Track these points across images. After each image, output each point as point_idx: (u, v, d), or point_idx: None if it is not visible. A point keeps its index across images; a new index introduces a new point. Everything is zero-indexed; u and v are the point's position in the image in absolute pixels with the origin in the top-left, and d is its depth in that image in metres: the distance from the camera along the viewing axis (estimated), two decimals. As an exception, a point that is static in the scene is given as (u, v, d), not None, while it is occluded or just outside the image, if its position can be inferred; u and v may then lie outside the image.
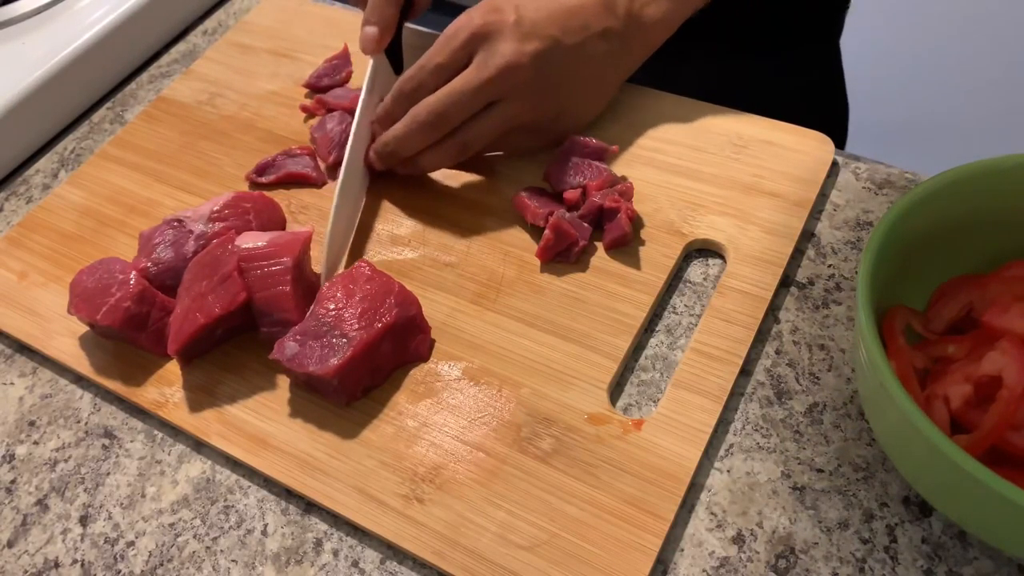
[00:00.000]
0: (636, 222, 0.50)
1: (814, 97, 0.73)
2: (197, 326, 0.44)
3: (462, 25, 0.50)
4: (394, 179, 0.55)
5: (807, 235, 0.49)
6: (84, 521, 0.44)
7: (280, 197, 0.55)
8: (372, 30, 0.54)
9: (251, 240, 0.47)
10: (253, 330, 0.47)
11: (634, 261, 0.48)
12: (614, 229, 0.48)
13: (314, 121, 0.59)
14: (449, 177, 0.55)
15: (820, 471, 0.41)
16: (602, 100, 0.54)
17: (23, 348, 0.51)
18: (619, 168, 0.53)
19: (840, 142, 0.76)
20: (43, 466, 0.46)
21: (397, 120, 0.51)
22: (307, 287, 0.47)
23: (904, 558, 0.38)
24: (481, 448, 0.42)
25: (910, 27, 1.84)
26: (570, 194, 0.50)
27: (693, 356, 0.44)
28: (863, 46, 1.77)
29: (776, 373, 0.44)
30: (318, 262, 0.51)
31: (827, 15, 0.75)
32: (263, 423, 0.45)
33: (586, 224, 0.49)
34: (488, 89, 0.49)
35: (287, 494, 0.43)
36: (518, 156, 0.55)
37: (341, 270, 0.51)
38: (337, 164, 0.54)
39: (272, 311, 0.45)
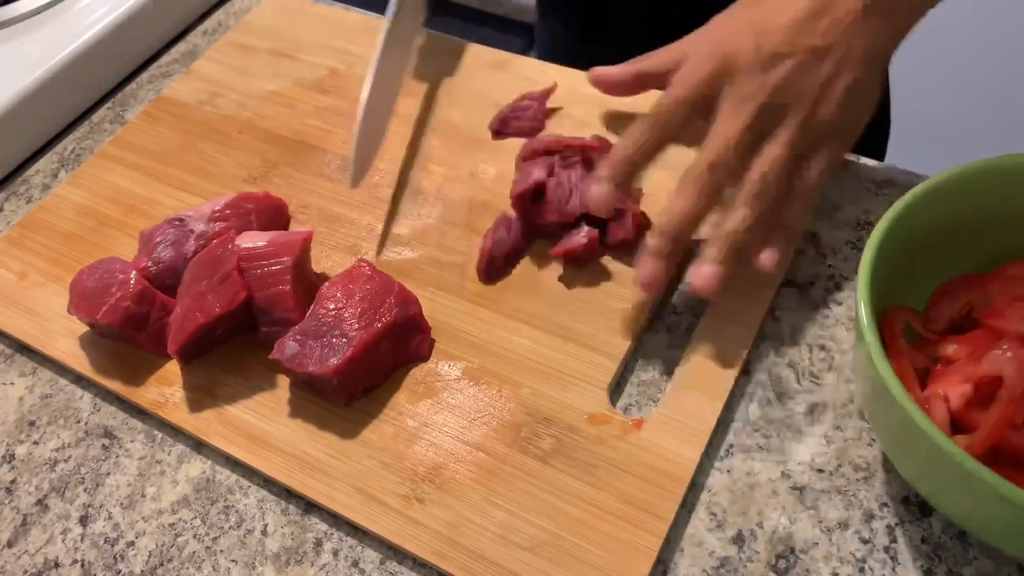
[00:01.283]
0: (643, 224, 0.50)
1: None
2: (197, 325, 0.44)
3: (694, 67, 0.45)
4: (393, 179, 0.55)
5: (807, 235, 0.49)
6: (84, 521, 0.44)
7: (280, 196, 0.54)
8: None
9: (251, 239, 0.47)
10: (253, 330, 0.47)
11: (634, 261, 0.48)
12: (618, 231, 0.48)
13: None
14: (450, 177, 0.55)
15: (820, 471, 0.41)
16: (877, 79, 0.46)
17: (23, 348, 0.51)
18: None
19: (880, 156, 0.75)
20: (43, 466, 0.46)
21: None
22: (307, 287, 0.47)
23: (904, 558, 0.38)
24: (481, 448, 0.42)
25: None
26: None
27: (693, 356, 0.44)
28: (863, 46, 1.77)
29: (776, 373, 0.44)
30: (318, 261, 0.51)
31: None
32: (263, 423, 0.45)
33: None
34: (747, 134, 0.43)
35: (287, 494, 0.43)
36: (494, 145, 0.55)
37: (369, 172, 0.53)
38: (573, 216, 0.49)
39: (272, 310, 0.45)
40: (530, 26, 1.38)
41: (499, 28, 1.57)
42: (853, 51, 0.44)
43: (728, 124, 0.44)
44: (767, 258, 0.44)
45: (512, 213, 0.50)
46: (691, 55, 0.47)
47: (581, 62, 0.57)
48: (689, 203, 0.43)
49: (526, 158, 0.51)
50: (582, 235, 0.47)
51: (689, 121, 0.45)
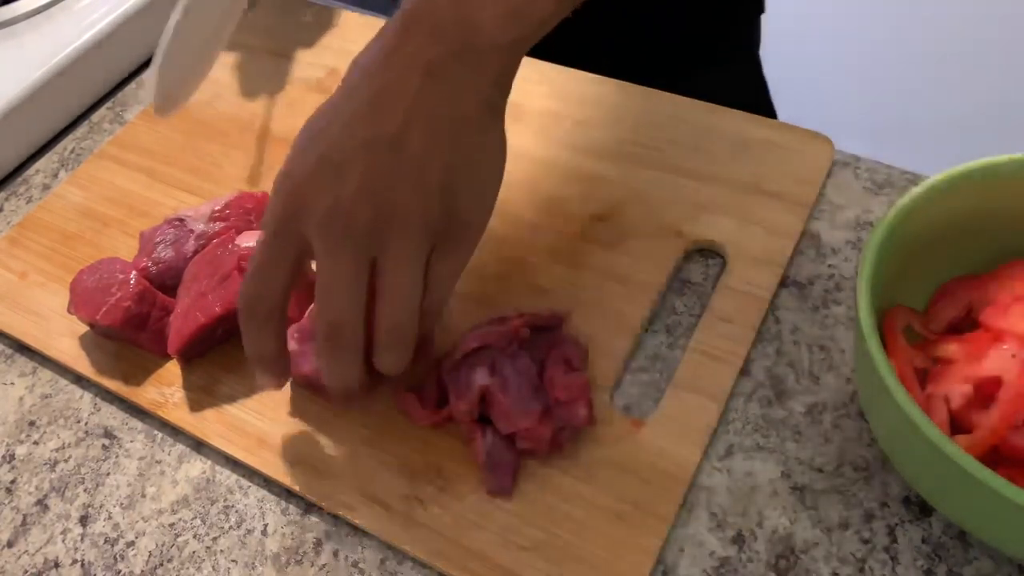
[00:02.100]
0: (635, 226, 0.50)
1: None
2: (197, 326, 0.44)
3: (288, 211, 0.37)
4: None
5: (807, 235, 0.49)
6: (84, 521, 0.44)
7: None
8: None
9: (251, 239, 0.47)
10: (253, 330, 0.47)
11: (634, 261, 0.48)
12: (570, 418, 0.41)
13: None
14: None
15: (820, 471, 0.41)
16: (483, 150, 0.38)
17: (23, 348, 0.51)
18: (620, 168, 0.53)
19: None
20: (43, 466, 0.46)
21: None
22: (307, 286, 0.47)
23: (904, 558, 0.38)
24: (481, 448, 0.42)
25: (910, 27, 1.84)
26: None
27: (693, 356, 0.44)
28: (863, 45, 1.78)
29: (776, 373, 0.44)
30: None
31: (742, 25, 0.73)
32: (263, 423, 0.45)
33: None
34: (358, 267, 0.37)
35: (287, 494, 0.43)
36: (517, 151, 0.54)
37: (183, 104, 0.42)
38: None
39: None
40: None
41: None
42: (435, 122, 0.36)
43: (327, 276, 0.37)
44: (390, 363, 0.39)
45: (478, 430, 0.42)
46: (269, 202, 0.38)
47: None
48: (339, 368, 0.38)
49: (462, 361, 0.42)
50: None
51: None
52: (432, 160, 0.36)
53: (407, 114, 0.36)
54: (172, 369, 0.47)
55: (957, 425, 0.37)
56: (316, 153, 0.36)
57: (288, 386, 0.46)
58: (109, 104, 0.66)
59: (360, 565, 0.41)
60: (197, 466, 0.45)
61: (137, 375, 0.48)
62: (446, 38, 0.36)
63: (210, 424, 0.45)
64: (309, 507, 0.43)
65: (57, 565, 0.42)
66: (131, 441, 0.46)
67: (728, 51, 0.73)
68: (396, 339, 0.38)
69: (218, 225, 0.50)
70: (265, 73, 0.64)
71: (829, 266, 0.48)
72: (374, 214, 0.36)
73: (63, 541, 0.43)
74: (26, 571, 0.42)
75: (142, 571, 0.42)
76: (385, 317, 0.37)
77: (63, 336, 0.50)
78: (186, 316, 0.45)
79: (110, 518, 0.44)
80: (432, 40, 0.36)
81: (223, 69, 0.64)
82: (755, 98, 0.75)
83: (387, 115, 0.36)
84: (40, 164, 0.63)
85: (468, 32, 0.36)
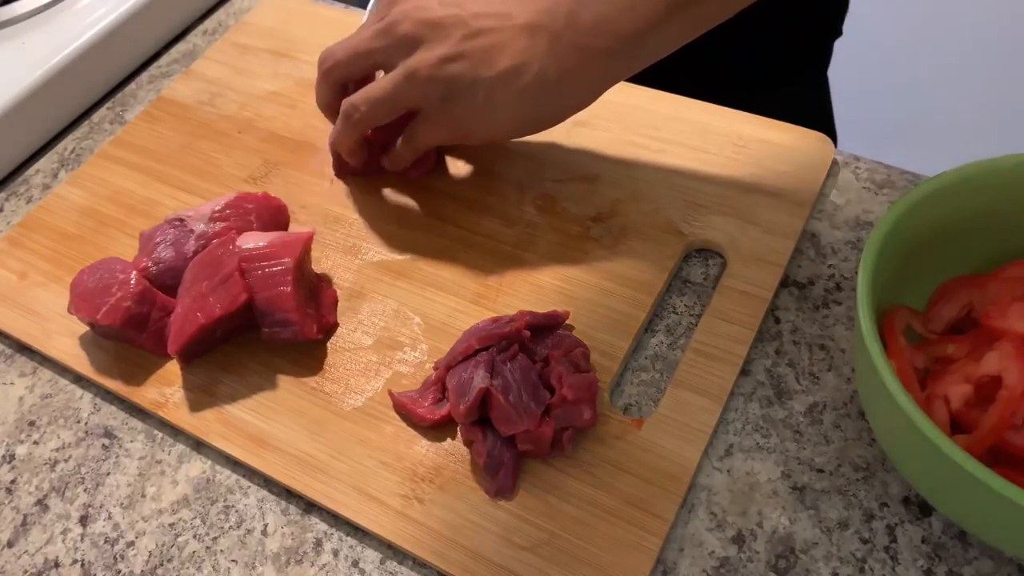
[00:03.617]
0: (635, 226, 0.50)
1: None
2: (197, 326, 0.44)
3: (397, 19, 0.48)
4: (393, 179, 0.55)
5: (807, 235, 0.49)
6: (84, 521, 0.44)
7: (281, 196, 0.54)
8: None
9: (252, 240, 0.47)
10: (254, 330, 0.47)
11: (634, 261, 0.48)
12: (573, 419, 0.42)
13: None
14: (449, 177, 0.55)
15: (820, 471, 0.41)
16: (511, 106, 0.46)
17: (23, 348, 0.51)
18: (619, 168, 0.53)
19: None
20: (43, 466, 0.46)
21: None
22: (308, 287, 0.48)
23: (904, 558, 0.38)
24: (481, 448, 0.42)
25: (910, 26, 1.84)
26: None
27: (693, 356, 0.44)
28: (863, 45, 1.77)
29: (776, 373, 0.44)
30: (318, 262, 0.51)
31: (815, 49, 0.74)
32: (263, 423, 0.45)
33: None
34: (368, 44, 0.48)
35: (287, 494, 0.43)
36: (516, 150, 0.55)
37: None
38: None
39: (273, 311, 0.45)
40: None
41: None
42: (505, 46, 0.45)
43: (364, 30, 0.49)
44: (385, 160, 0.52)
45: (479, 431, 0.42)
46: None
47: None
48: (341, 138, 0.50)
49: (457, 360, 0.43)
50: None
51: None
52: (481, 65, 0.45)
53: (499, 20, 0.45)
54: (172, 369, 0.47)
55: (957, 425, 0.37)
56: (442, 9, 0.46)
57: (288, 386, 0.46)
58: (109, 104, 0.66)
59: (360, 565, 0.41)
60: (197, 466, 0.45)
61: (137, 375, 0.48)
62: (555, 16, 0.44)
63: (210, 424, 0.45)
64: (309, 507, 0.43)
65: (57, 565, 0.42)
66: (131, 441, 0.46)
67: (798, 72, 0.73)
68: (347, 110, 0.48)
69: (218, 225, 0.50)
70: (265, 73, 0.64)
71: (829, 266, 0.48)
72: (417, 36, 0.46)
73: (63, 541, 0.43)
74: (26, 571, 0.42)
75: (142, 571, 0.42)
76: (352, 95, 0.48)
77: (63, 336, 0.50)
78: (186, 317, 0.45)
79: (110, 518, 0.44)
80: (541, 15, 0.45)
81: (223, 69, 0.64)
82: (817, 120, 0.75)
83: (491, 14, 0.46)
84: (40, 164, 0.63)
85: (569, 23, 0.44)
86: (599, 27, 0.44)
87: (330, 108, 0.52)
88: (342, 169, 0.55)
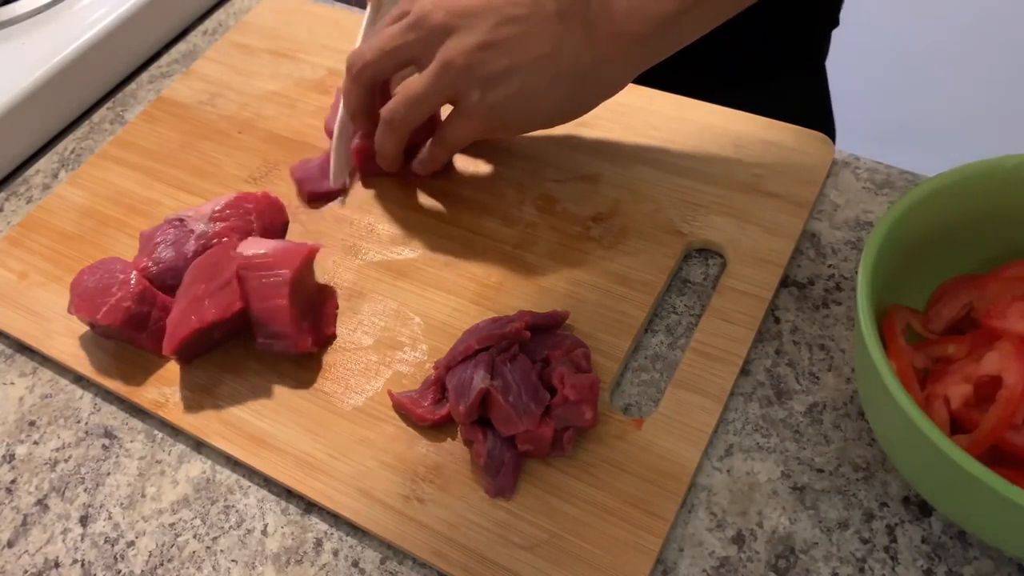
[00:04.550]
0: (635, 226, 0.49)
1: (801, 125, 0.71)
2: (191, 329, 0.44)
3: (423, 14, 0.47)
4: (393, 179, 0.55)
5: (807, 235, 0.49)
6: (84, 521, 0.44)
7: (281, 196, 0.54)
8: None
9: (253, 247, 0.46)
10: (254, 332, 0.47)
11: (634, 261, 0.48)
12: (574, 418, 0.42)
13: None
14: (449, 177, 0.55)
15: (820, 471, 0.41)
16: (547, 94, 0.46)
17: (23, 348, 0.51)
18: (620, 169, 0.53)
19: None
20: (43, 466, 0.46)
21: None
22: (308, 299, 0.47)
23: (904, 558, 0.38)
24: (481, 448, 0.42)
25: (910, 26, 1.84)
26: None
27: (693, 356, 0.44)
28: (863, 44, 1.77)
29: (776, 373, 0.44)
30: (317, 262, 0.51)
31: (812, 38, 0.74)
32: (263, 423, 0.45)
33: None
34: (398, 40, 0.47)
35: (287, 494, 0.43)
36: (517, 151, 0.55)
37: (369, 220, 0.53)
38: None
39: (268, 323, 0.45)
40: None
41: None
42: (535, 36, 0.45)
43: (389, 22, 0.49)
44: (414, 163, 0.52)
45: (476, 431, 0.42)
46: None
47: None
48: (383, 140, 0.50)
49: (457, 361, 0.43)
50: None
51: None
52: (514, 52, 0.45)
53: (532, 7, 0.45)
54: (172, 369, 0.47)
55: (957, 425, 0.37)
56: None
57: (288, 386, 0.46)
58: (109, 104, 0.66)
59: (360, 565, 0.41)
60: (197, 466, 0.45)
61: (137, 375, 0.48)
62: (587, 2, 0.44)
63: (210, 424, 0.45)
64: (309, 507, 0.43)
65: (57, 565, 0.42)
66: (131, 441, 0.46)
67: (796, 63, 0.73)
68: (387, 117, 0.49)
69: (218, 225, 0.50)
70: (265, 73, 0.64)
71: (829, 266, 0.48)
72: (459, 24, 0.45)
73: (63, 541, 0.43)
74: (26, 571, 0.42)
75: (142, 571, 0.42)
76: (391, 100, 0.49)
77: (63, 336, 0.50)
78: (181, 319, 0.45)
79: (110, 518, 0.44)
80: (573, 1, 0.44)
81: (223, 69, 0.64)
82: (816, 110, 0.76)
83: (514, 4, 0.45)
84: (40, 164, 0.63)
85: (602, 9, 0.44)
86: (633, 12, 0.44)
87: (360, 111, 0.51)
88: (369, 172, 0.55)
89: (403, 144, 0.51)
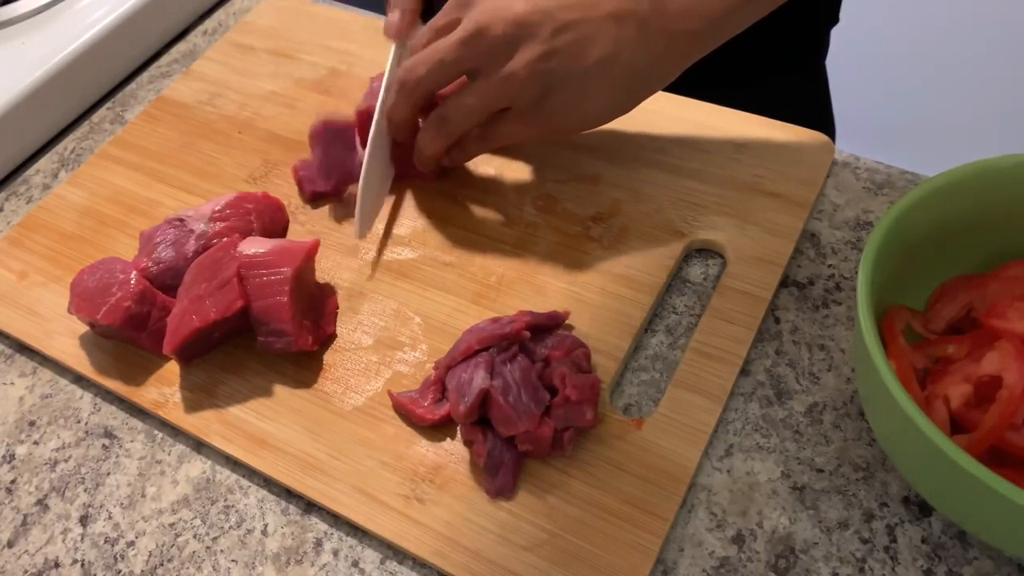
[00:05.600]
0: (635, 226, 0.50)
1: (800, 124, 0.72)
2: (192, 329, 0.44)
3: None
4: (393, 180, 0.55)
5: (807, 235, 0.49)
6: (84, 521, 0.44)
7: (281, 196, 0.54)
8: (395, 15, 0.53)
9: (254, 246, 0.46)
10: (254, 331, 0.46)
11: (634, 261, 0.48)
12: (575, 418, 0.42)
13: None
14: (449, 177, 0.55)
15: (820, 471, 0.41)
16: (604, 96, 0.46)
17: (23, 348, 0.51)
18: (620, 169, 0.53)
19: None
20: (43, 466, 0.46)
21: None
22: (309, 297, 0.47)
23: (904, 558, 0.38)
24: (481, 448, 0.42)
25: (910, 26, 1.84)
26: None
27: (693, 356, 0.44)
28: (863, 45, 1.77)
29: (776, 373, 0.44)
30: (317, 261, 0.51)
31: (812, 35, 0.74)
32: (263, 423, 0.45)
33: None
34: (456, 53, 0.46)
35: (287, 494, 0.43)
36: (517, 151, 0.54)
37: (374, 227, 0.52)
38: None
39: (269, 321, 0.45)
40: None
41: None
42: (593, 39, 0.44)
43: (444, 37, 0.47)
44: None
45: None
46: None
47: None
48: (427, 141, 0.50)
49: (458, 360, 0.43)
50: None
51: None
52: (562, 59, 0.45)
53: (585, 10, 0.44)
54: (172, 369, 0.47)
55: (957, 425, 0.37)
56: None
57: (288, 386, 0.46)
58: (109, 104, 0.66)
59: (360, 565, 0.41)
60: (197, 466, 0.45)
61: (137, 375, 0.48)
62: (640, 2, 0.44)
63: (210, 424, 0.45)
64: (309, 507, 0.43)
65: (57, 565, 0.42)
66: (131, 441, 0.46)
67: (796, 61, 0.73)
68: (438, 122, 0.49)
69: (218, 225, 0.50)
70: (265, 73, 0.64)
71: (829, 266, 0.48)
72: (496, 43, 0.45)
73: (63, 541, 0.43)
74: (26, 571, 0.42)
75: (142, 571, 0.42)
76: (443, 105, 0.48)
77: (63, 336, 0.50)
78: (182, 318, 0.45)
79: (110, 518, 0.44)
80: (626, 1, 0.44)
81: (223, 69, 0.64)
82: (816, 110, 0.76)
83: (569, 6, 0.45)
84: (40, 164, 0.63)
85: (656, 8, 0.44)
86: (687, 12, 0.44)
87: (407, 125, 0.51)
88: (405, 174, 0.54)
89: (448, 147, 0.50)
